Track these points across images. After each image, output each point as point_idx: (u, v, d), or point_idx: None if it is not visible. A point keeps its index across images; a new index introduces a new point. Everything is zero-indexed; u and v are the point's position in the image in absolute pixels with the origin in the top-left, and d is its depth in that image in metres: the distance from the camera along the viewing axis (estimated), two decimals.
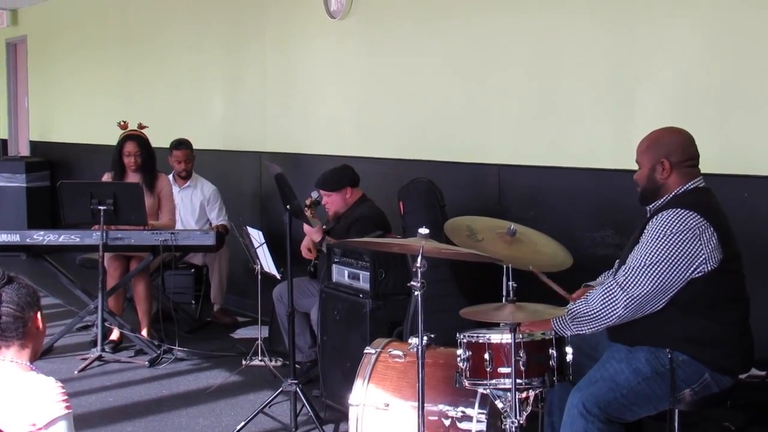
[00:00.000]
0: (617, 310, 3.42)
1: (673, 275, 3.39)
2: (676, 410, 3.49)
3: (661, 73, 4.71)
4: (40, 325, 2.63)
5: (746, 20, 4.36)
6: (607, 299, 3.44)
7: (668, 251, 3.38)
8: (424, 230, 3.52)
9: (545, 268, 3.81)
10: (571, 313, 3.51)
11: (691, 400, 3.49)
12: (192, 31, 8.70)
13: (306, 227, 5.48)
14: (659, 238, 3.41)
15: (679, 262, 3.38)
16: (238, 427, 4.90)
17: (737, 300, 3.54)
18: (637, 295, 3.40)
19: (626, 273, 3.43)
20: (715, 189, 3.65)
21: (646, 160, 3.61)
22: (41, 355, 3.26)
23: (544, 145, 5.34)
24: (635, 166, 3.71)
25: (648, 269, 3.39)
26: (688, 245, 3.38)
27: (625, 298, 3.41)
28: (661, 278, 3.39)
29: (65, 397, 2.48)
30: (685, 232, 3.39)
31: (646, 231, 3.48)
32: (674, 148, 3.59)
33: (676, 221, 3.41)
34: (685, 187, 3.56)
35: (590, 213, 5.08)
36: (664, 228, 3.41)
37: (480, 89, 5.74)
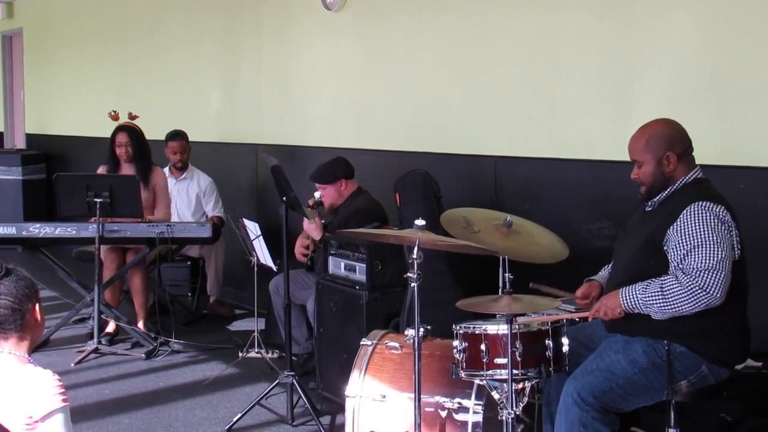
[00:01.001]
0: (696, 308, 3.40)
1: (729, 266, 3.42)
2: (673, 401, 3.50)
3: (659, 64, 4.70)
4: (39, 317, 2.63)
5: (743, 13, 4.35)
6: (688, 299, 3.39)
7: (722, 245, 3.39)
8: (420, 222, 3.52)
9: (542, 260, 3.81)
10: (642, 302, 3.47)
11: (687, 392, 3.50)
12: (188, 24, 8.68)
13: (306, 225, 5.45)
14: (710, 235, 3.39)
15: (730, 253, 3.42)
16: (235, 419, 4.90)
17: (739, 291, 3.53)
18: (719, 296, 3.38)
19: (702, 275, 3.36)
20: (712, 180, 3.65)
21: (649, 157, 3.59)
22: (37, 347, 3.26)
23: (540, 136, 5.34)
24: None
25: (718, 266, 3.37)
26: (727, 236, 3.43)
27: (707, 300, 3.38)
28: (728, 272, 3.39)
29: (62, 390, 2.48)
30: (720, 225, 3.42)
31: (686, 231, 3.42)
32: (676, 139, 3.60)
33: (711, 215, 3.42)
34: (687, 178, 3.58)
35: (587, 204, 5.07)
36: (708, 224, 3.41)
37: (476, 80, 5.73)
